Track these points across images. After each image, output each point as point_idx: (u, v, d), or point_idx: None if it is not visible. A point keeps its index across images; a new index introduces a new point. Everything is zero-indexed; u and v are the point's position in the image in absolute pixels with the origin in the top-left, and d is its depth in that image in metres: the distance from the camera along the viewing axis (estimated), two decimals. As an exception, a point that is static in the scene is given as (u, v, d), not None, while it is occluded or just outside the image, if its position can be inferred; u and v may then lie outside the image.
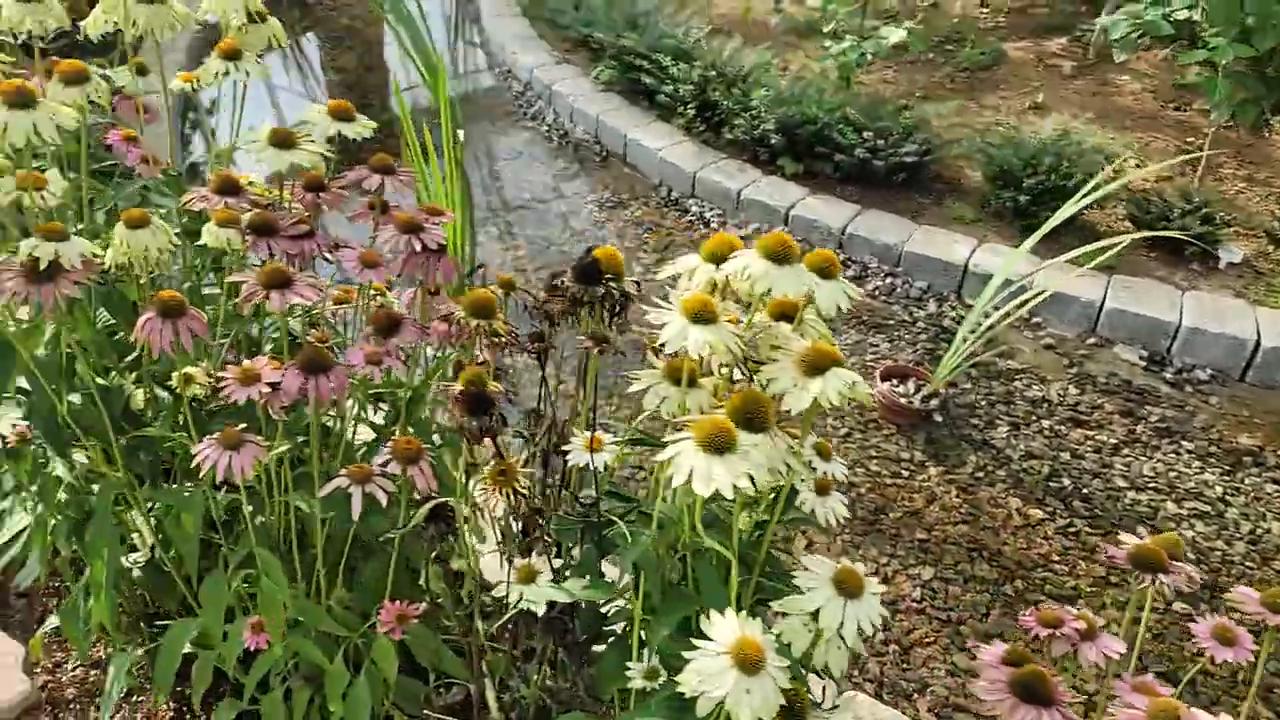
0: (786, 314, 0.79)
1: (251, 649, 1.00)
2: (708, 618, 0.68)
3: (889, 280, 2.41)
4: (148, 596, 1.25)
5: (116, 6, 0.93)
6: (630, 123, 2.97)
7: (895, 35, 2.64)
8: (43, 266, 0.81)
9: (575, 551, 0.85)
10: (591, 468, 0.78)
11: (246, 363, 0.86)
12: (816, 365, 0.71)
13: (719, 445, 0.65)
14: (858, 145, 2.56)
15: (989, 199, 2.54)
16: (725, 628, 0.67)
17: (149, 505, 1.05)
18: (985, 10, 3.71)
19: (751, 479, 0.64)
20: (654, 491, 0.77)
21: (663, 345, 0.71)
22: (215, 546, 1.06)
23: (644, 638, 0.79)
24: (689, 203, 2.75)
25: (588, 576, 0.79)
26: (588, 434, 0.82)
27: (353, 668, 1.05)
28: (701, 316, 0.70)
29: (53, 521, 1.06)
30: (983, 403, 2.09)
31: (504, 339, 0.79)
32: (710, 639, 0.67)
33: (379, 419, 1.21)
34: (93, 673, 1.39)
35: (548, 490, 0.93)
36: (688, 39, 3.00)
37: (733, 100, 2.74)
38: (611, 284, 0.75)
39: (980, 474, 1.94)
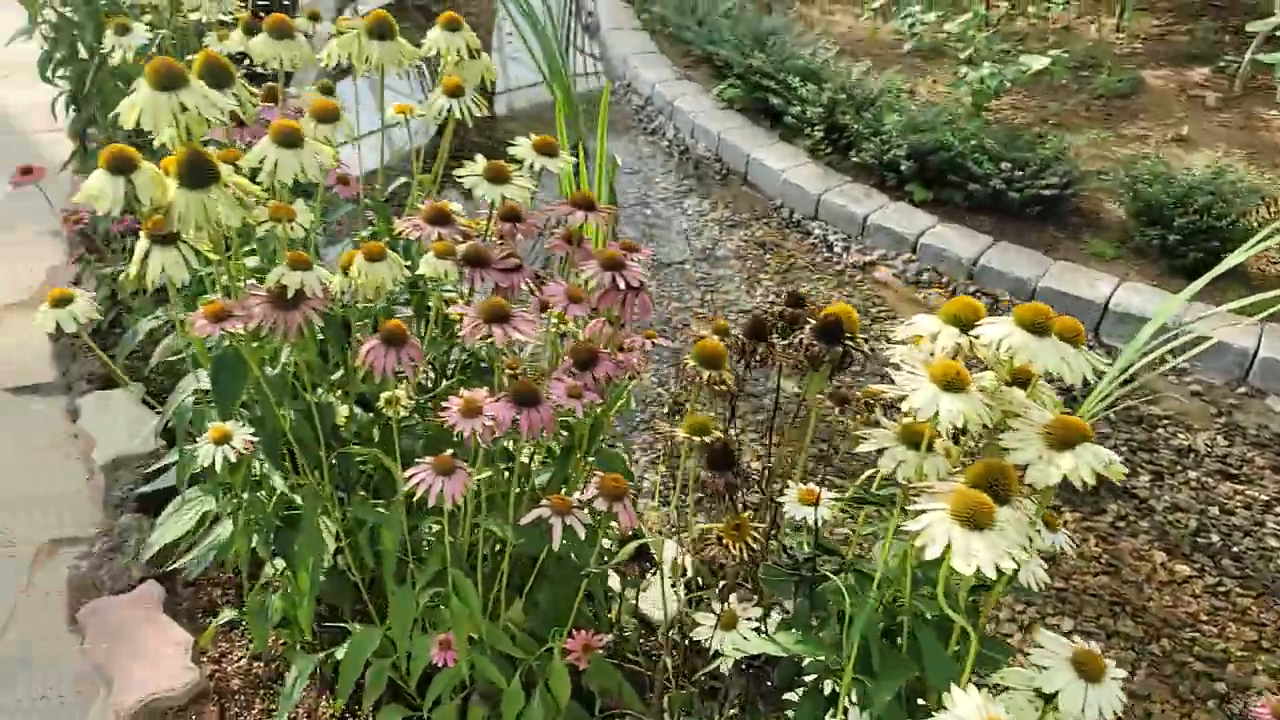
0: (1019, 379, 0.78)
1: (439, 665, 1.03)
2: (946, 690, 0.68)
3: (1021, 315, 2.34)
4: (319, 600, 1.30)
5: (352, 43, 0.97)
6: (753, 142, 2.96)
7: (1038, 63, 2.57)
8: (290, 295, 0.85)
9: (787, 604, 0.85)
10: (812, 521, 0.78)
11: (466, 394, 0.89)
12: (1066, 439, 0.70)
13: (977, 520, 0.64)
14: (993, 175, 2.51)
15: (1131, 236, 2.45)
16: (966, 704, 0.66)
17: (341, 516, 1.10)
18: (1121, 35, 3.59)
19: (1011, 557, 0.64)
20: (886, 554, 0.77)
21: (907, 411, 0.71)
22: (402, 561, 1.10)
23: (854, 696, 0.79)
24: (812, 225, 2.73)
25: (799, 630, 0.79)
26: (804, 487, 0.82)
27: (524, 690, 1.08)
28: (953, 385, 0.69)
29: (245, 521, 1.12)
30: (1123, 449, 2.02)
31: (731, 390, 0.80)
32: (945, 709, 0.67)
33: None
34: (255, 664, 1.45)
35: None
36: (815, 60, 2.98)
37: (863, 124, 2.71)
38: (849, 343, 0.75)
39: (1121, 524, 1.87)
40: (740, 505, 0.83)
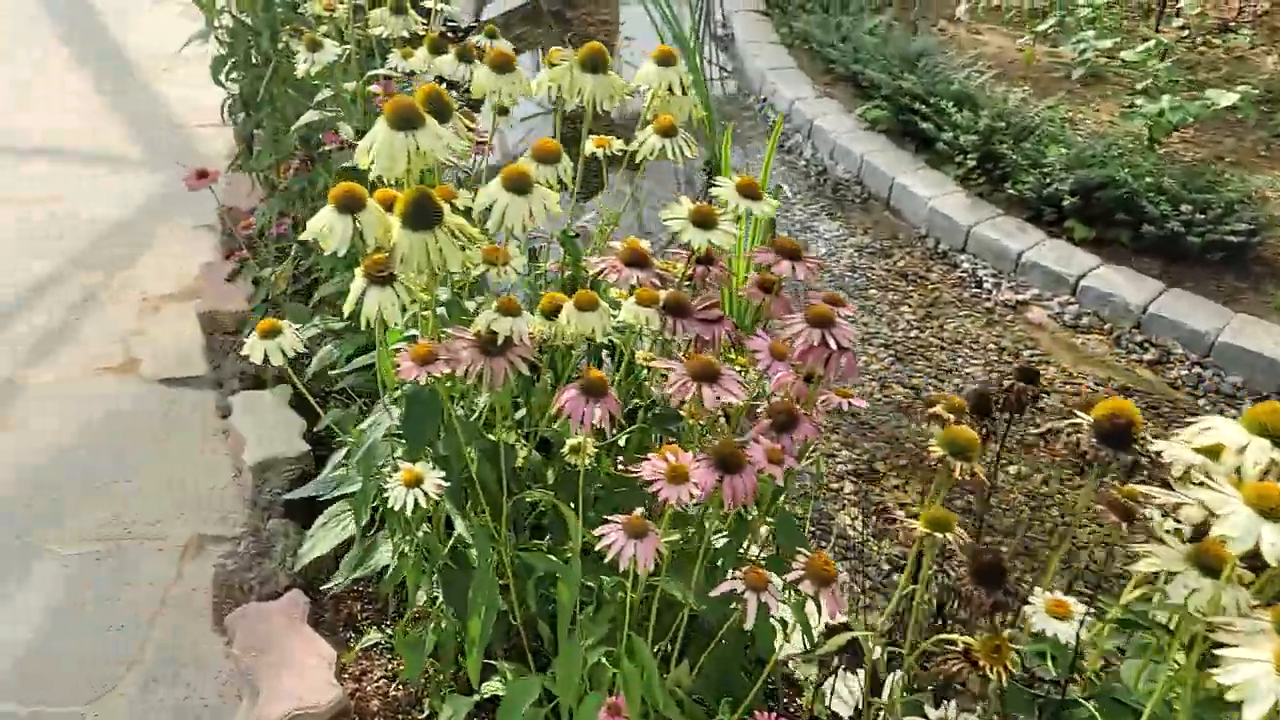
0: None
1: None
2: None
3: (1194, 370, 2.17)
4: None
5: (564, 75, 0.92)
6: (898, 166, 2.84)
7: (1226, 98, 2.38)
8: (500, 341, 0.82)
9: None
10: (1065, 638, 0.69)
11: (672, 458, 0.84)
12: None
13: (1316, 682, 0.55)
14: (1170, 216, 2.33)
15: (1323, 291, 2.24)
16: None
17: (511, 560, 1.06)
18: (1303, 67, 3.31)
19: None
20: (1144, 682, 0.68)
21: (1208, 532, 0.62)
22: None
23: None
24: (959, 258, 2.60)
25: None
26: (1053, 596, 0.73)
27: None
28: (1277, 514, 0.60)
29: (408, 554, 1.09)
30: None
31: (986, 483, 0.72)
32: None
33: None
34: (393, 687, 1.44)
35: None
36: (969, 84, 2.84)
37: (1021, 154, 2.56)
38: (1136, 447, 0.67)
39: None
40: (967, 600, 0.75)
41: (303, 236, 0.74)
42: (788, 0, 3.82)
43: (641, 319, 0.92)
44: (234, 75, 1.99)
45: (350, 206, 0.73)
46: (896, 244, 2.72)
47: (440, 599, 1.13)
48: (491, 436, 0.97)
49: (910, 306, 2.48)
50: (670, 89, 0.97)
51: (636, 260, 0.98)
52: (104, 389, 2.03)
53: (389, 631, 1.46)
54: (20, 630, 1.54)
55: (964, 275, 2.56)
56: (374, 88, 1.52)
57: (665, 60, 0.97)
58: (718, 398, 0.85)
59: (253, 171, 2.21)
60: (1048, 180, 2.49)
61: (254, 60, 1.88)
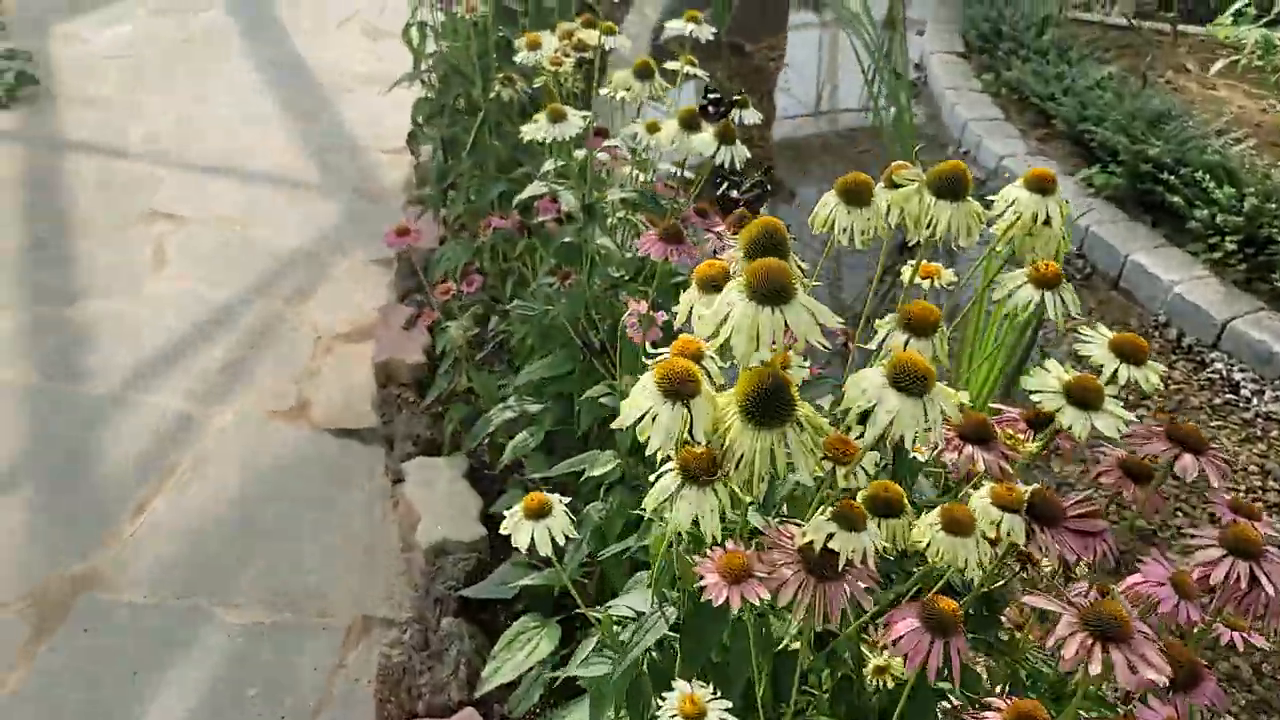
0: None
1: None
2: None
3: None
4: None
5: (910, 199, 0.72)
6: (1130, 241, 2.50)
7: None
8: (842, 564, 0.61)
9: None
10: None
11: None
12: None
13: None
14: None
15: None
16: None
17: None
18: None
19: None
20: None
21: None
22: None
23: None
24: (1210, 356, 2.24)
25: None
26: None
27: None
28: None
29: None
30: None
31: None
32: None
33: None
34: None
35: None
36: (1228, 153, 2.48)
37: (1296, 242, 2.19)
38: None
39: None
40: None
41: (615, 424, 0.56)
42: (994, 45, 3.51)
43: (1002, 529, 0.70)
44: (434, 119, 1.88)
45: (682, 393, 0.55)
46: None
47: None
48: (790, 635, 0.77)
49: (1149, 409, 2.15)
50: (1048, 221, 0.74)
51: (979, 435, 0.76)
52: (276, 435, 1.96)
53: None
54: (180, 710, 1.44)
55: (1215, 377, 2.20)
56: (602, 156, 1.35)
57: (1041, 186, 0.74)
58: (1133, 670, 0.62)
59: (439, 211, 2.10)
60: (1330, 275, 2.11)
61: (460, 107, 1.76)
